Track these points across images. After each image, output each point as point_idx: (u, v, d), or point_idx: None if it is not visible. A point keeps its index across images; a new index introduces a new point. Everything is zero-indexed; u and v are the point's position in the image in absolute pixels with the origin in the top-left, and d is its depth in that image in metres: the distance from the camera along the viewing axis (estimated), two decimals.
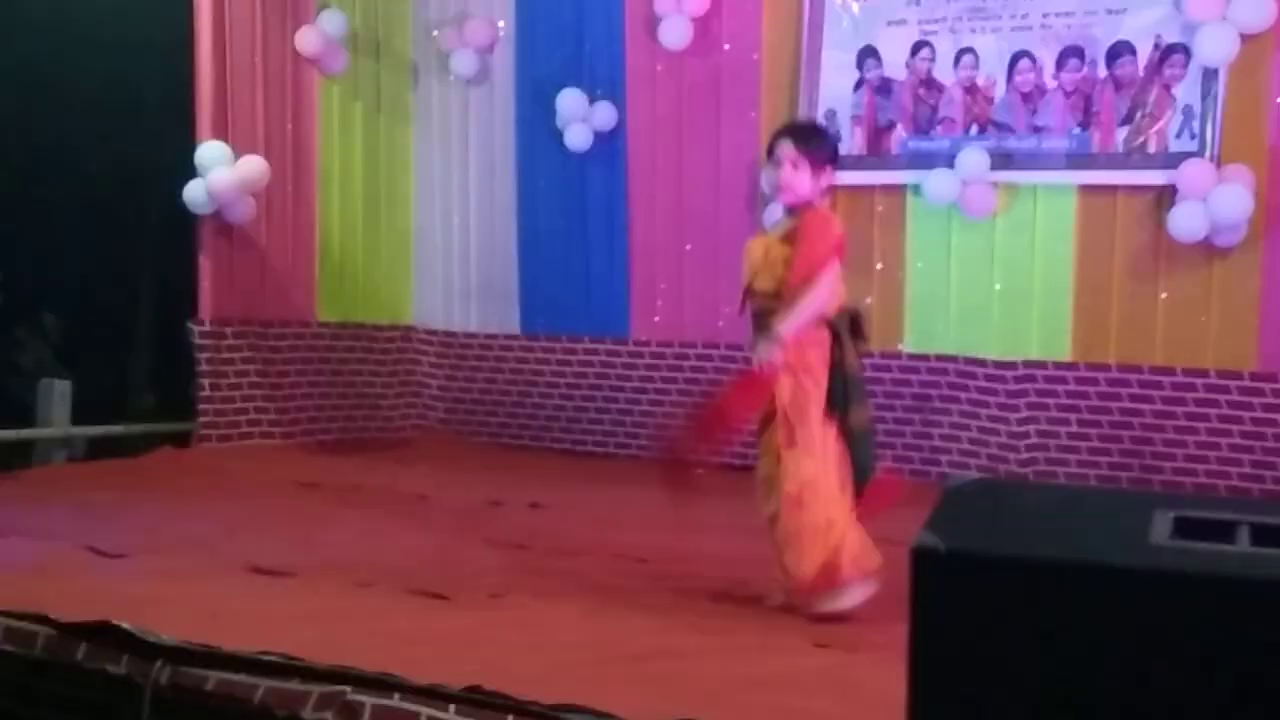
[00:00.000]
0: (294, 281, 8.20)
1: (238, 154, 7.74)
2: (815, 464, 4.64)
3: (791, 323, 4.54)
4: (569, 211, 7.96)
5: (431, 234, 8.43)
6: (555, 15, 7.90)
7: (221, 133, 7.81)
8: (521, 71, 8.06)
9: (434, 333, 8.45)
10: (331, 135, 8.25)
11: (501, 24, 8.09)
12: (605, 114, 7.72)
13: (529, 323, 8.16)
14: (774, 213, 6.97)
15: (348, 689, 3.47)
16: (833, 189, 4.99)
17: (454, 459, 7.84)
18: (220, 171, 7.62)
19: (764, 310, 4.67)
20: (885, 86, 7.00)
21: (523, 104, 8.06)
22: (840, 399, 4.66)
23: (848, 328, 4.69)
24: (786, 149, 4.71)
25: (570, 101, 7.71)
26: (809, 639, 4.42)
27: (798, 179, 4.68)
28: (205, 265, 7.90)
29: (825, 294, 4.63)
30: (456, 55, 8.07)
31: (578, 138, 7.73)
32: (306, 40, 8.00)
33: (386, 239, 8.44)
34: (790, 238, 4.66)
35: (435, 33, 8.25)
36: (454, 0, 8.21)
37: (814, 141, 4.80)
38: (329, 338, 8.28)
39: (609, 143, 7.79)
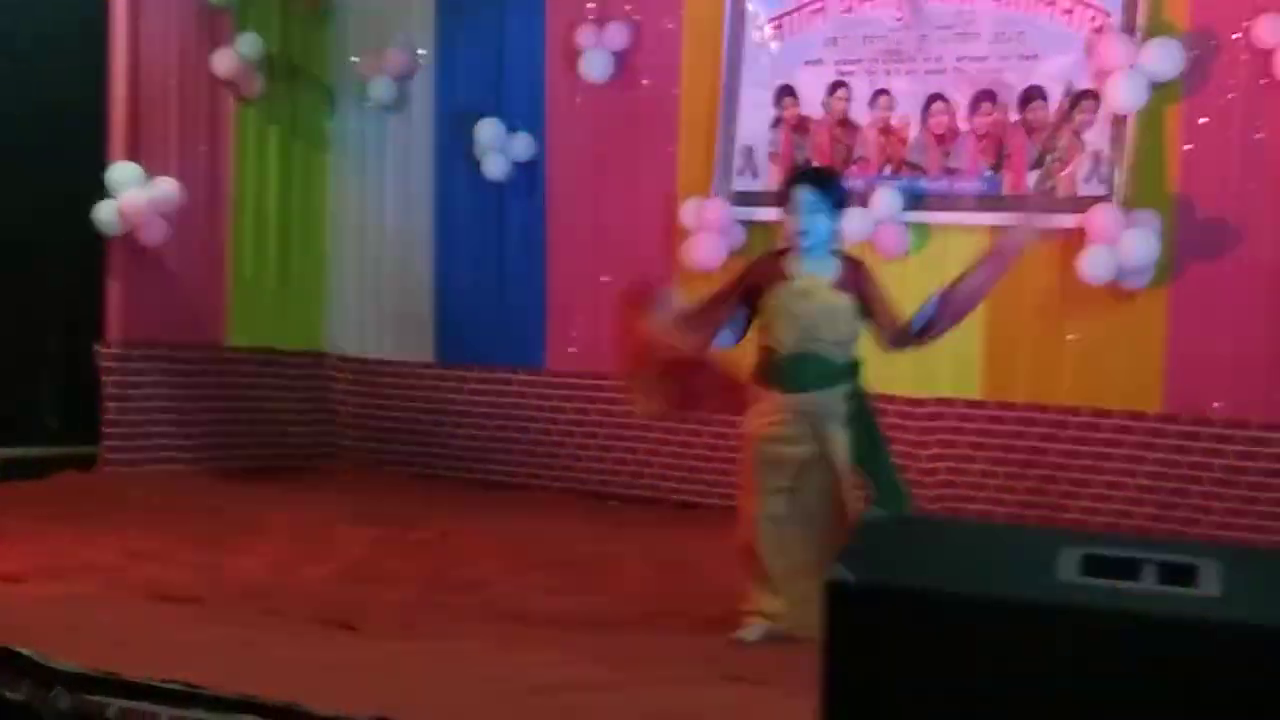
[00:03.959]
0: (205, 304, 8.10)
1: (150, 175, 7.64)
2: None
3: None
4: (486, 241, 7.94)
5: (346, 260, 8.36)
6: (476, 45, 7.90)
7: (134, 153, 7.72)
8: (440, 100, 8.04)
9: (347, 359, 8.38)
10: (246, 159, 8.17)
11: (421, 52, 8.07)
12: (524, 145, 7.72)
13: (443, 351, 8.11)
14: (702, 248, 7.03)
15: (251, 718, 3.42)
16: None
17: (364, 487, 7.77)
18: (132, 192, 7.52)
19: (824, 357, 4.80)
20: (802, 125, 7.07)
21: (441, 133, 8.04)
22: (866, 440, 4.87)
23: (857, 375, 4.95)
24: (806, 194, 4.84)
25: (489, 131, 7.69)
26: (718, 672, 4.43)
27: (818, 223, 4.80)
28: (114, 286, 7.79)
29: None
30: (375, 82, 8.03)
31: (496, 168, 7.72)
32: (223, 63, 7.92)
33: (300, 263, 8.36)
34: (845, 285, 4.84)
35: (354, 59, 8.20)
36: (374, 27, 8.17)
37: (830, 186, 4.96)
38: (239, 362, 8.18)
39: (527, 173, 7.79)
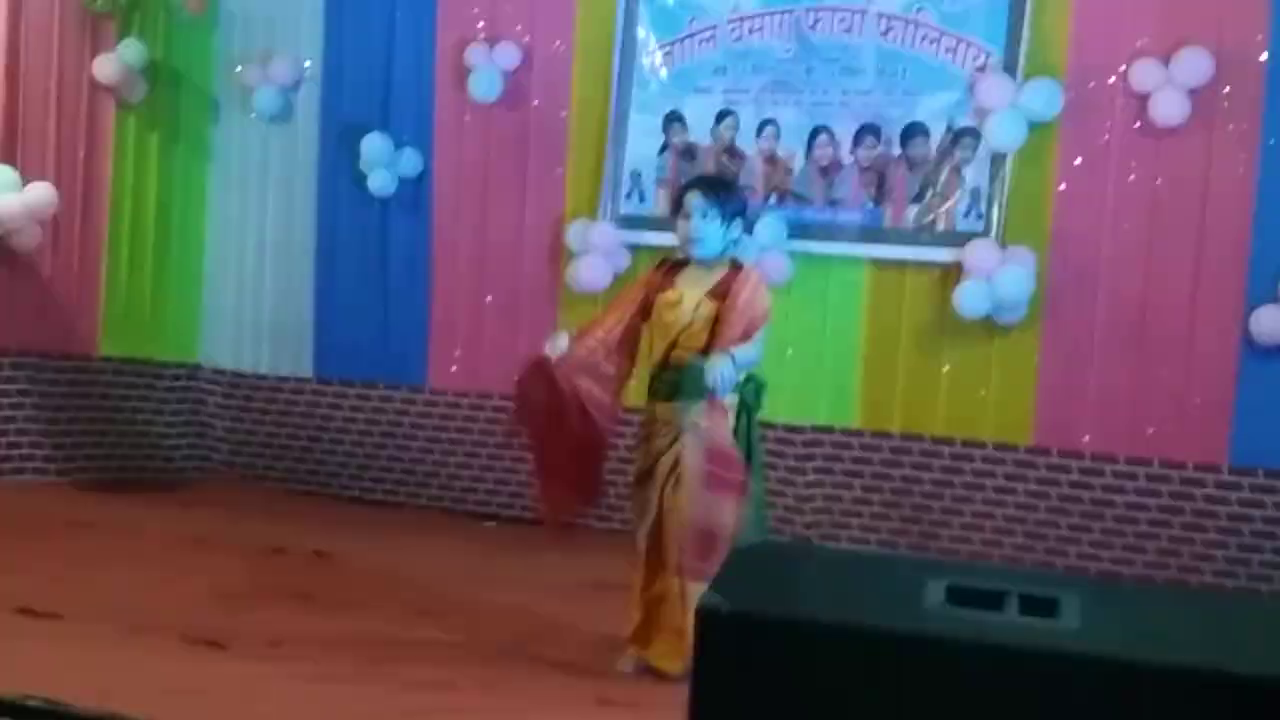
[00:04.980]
0: (78, 313, 7.92)
1: (26, 180, 7.47)
2: None
3: (728, 377, 4.52)
4: (369, 256, 7.87)
5: (225, 272, 8.23)
6: (364, 58, 7.83)
7: (10, 157, 7.54)
8: (326, 112, 7.95)
9: (222, 372, 8.25)
10: (125, 166, 8.01)
11: (308, 63, 7.98)
12: (411, 160, 7.67)
13: (322, 366, 8.02)
14: (588, 270, 7.04)
15: None
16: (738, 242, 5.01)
17: (237, 503, 7.65)
18: (6, 197, 7.35)
19: (692, 366, 4.65)
20: (690, 152, 7.12)
21: (326, 145, 7.95)
22: (743, 459, 4.71)
23: (754, 396, 4.78)
24: (696, 200, 4.78)
25: (375, 146, 7.64)
26: (593, 696, 4.43)
27: (709, 230, 4.74)
28: None
29: (757, 353, 4.74)
30: (260, 92, 7.93)
31: (381, 183, 7.66)
32: (105, 68, 7.77)
33: (177, 275, 8.21)
34: (720, 293, 4.71)
35: (239, 68, 8.10)
36: (259, 36, 8.07)
37: (723, 193, 4.88)
38: (111, 373, 8.01)
39: (413, 190, 7.74)
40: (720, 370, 4.49)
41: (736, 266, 4.84)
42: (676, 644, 4.57)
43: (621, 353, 4.87)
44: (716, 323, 4.68)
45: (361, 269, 7.88)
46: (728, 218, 4.80)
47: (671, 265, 4.96)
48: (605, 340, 4.84)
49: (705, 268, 4.80)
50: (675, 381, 4.70)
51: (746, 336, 4.66)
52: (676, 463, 4.67)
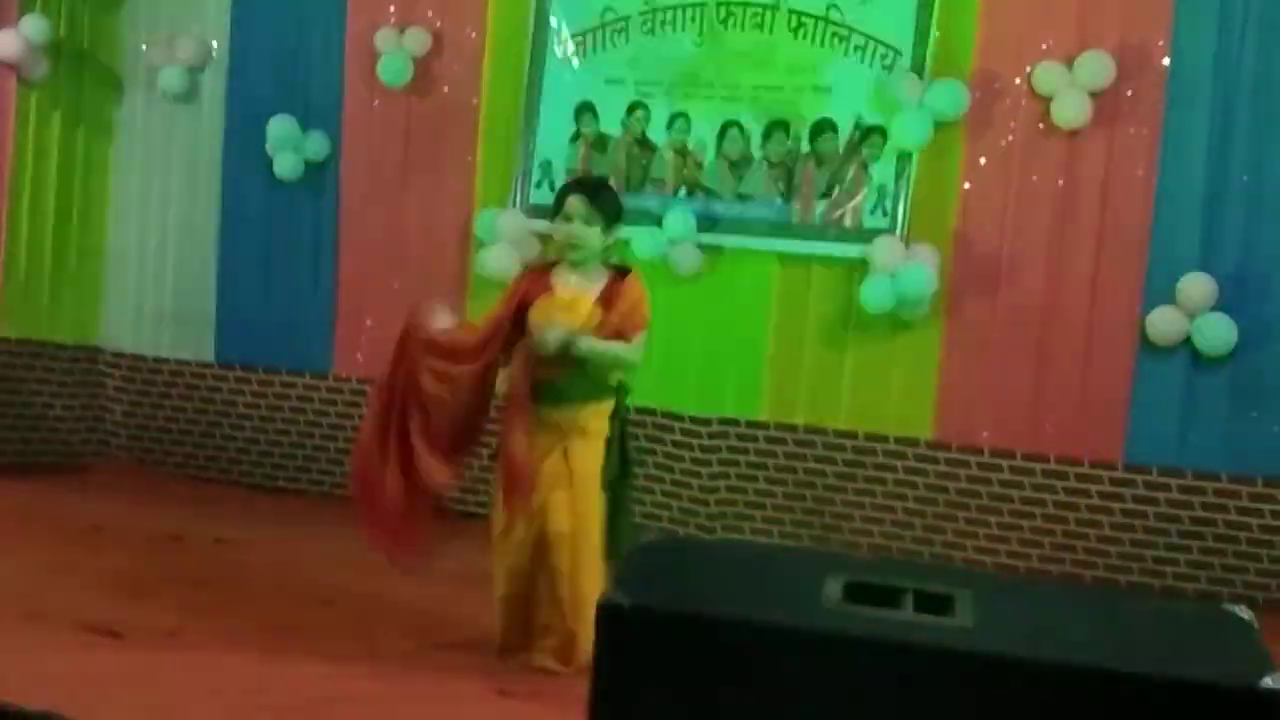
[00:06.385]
0: None
1: None
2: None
3: (554, 338, 4.54)
4: (274, 241, 7.78)
5: (126, 254, 8.10)
6: (271, 40, 7.73)
7: None
8: (232, 94, 7.84)
9: (121, 355, 8.11)
10: (26, 145, 7.84)
11: (215, 44, 7.86)
12: (318, 144, 7.59)
13: (224, 351, 7.91)
14: (497, 258, 7.00)
15: None
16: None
17: (135, 489, 7.54)
18: None
19: (579, 372, 4.64)
20: (601, 142, 7.12)
21: (232, 127, 7.85)
22: (618, 465, 4.73)
23: (625, 399, 4.81)
24: (578, 205, 4.74)
25: (282, 129, 7.55)
26: (493, 688, 4.42)
27: (590, 235, 4.73)
28: None
29: (636, 355, 4.74)
30: (165, 72, 7.80)
31: (287, 166, 7.57)
32: (6, 44, 7.59)
33: (77, 255, 8.06)
34: (606, 301, 4.70)
35: (144, 47, 7.96)
36: (165, 15, 7.94)
37: (604, 197, 4.85)
38: (7, 355, 7.84)
39: (320, 174, 7.66)
40: (554, 333, 4.55)
41: (619, 271, 4.84)
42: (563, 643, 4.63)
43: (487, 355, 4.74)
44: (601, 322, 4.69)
45: (266, 253, 7.79)
46: (608, 224, 4.79)
47: (542, 269, 4.92)
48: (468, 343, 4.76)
49: (584, 272, 4.77)
50: (566, 386, 4.67)
51: (619, 336, 4.68)
52: (561, 469, 4.66)
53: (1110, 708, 2.15)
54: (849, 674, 2.20)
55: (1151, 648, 2.34)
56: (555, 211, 4.86)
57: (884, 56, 6.63)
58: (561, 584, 4.63)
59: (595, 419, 4.71)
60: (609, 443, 4.72)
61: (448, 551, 6.21)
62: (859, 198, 6.69)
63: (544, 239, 4.63)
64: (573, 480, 4.66)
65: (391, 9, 7.50)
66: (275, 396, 7.81)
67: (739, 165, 6.89)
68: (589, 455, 4.68)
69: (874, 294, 6.50)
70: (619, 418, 4.77)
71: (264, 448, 7.85)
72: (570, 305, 4.72)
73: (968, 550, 6.64)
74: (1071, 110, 6.33)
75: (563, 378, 4.65)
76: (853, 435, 6.79)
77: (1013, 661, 2.15)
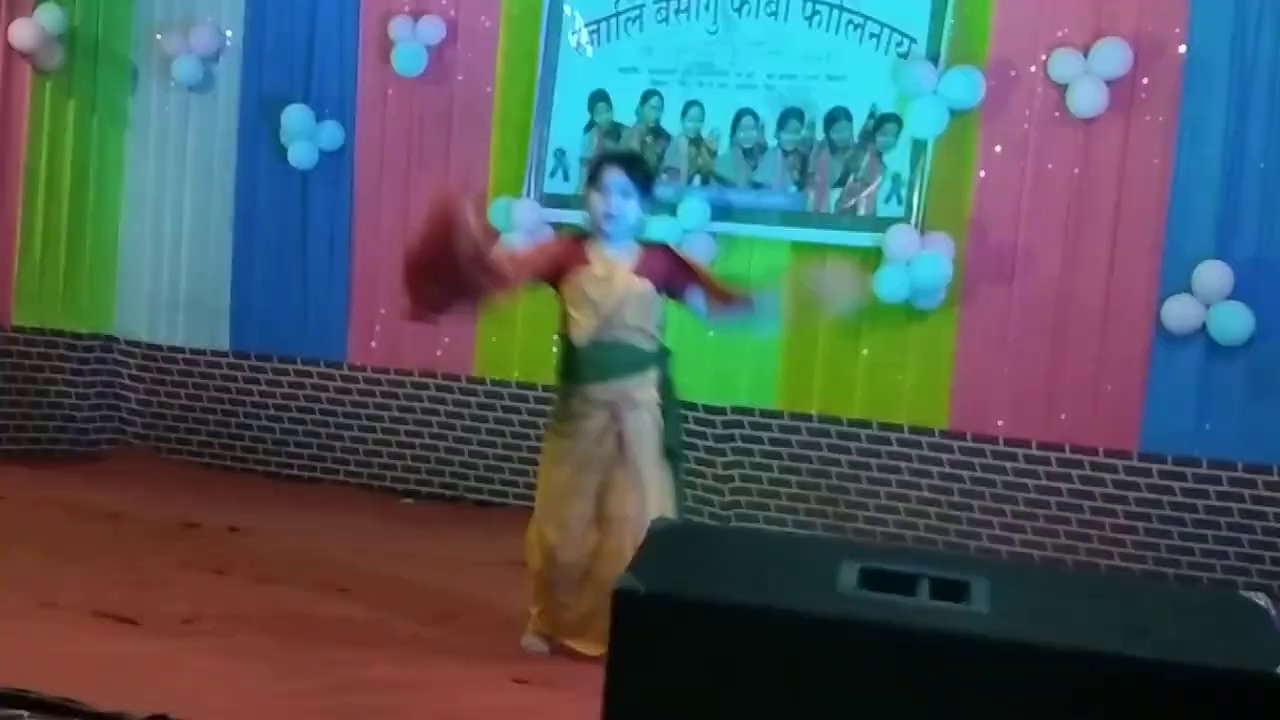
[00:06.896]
0: None
1: None
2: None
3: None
4: (288, 229, 7.79)
5: (141, 242, 8.11)
6: (286, 29, 7.73)
7: None
8: (247, 83, 7.85)
9: (137, 344, 8.13)
10: (41, 134, 7.85)
11: (229, 33, 7.87)
12: (332, 133, 7.59)
13: (239, 340, 7.93)
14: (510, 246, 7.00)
15: (25, 714, 3.32)
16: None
17: (151, 477, 7.55)
18: None
19: (626, 344, 4.64)
20: (614, 131, 7.11)
21: (246, 116, 7.85)
22: (677, 430, 4.73)
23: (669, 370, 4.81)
24: (618, 178, 4.69)
25: (296, 118, 7.56)
26: (508, 675, 4.43)
27: (628, 207, 4.69)
28: None
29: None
30: (179, 61, 7.81)
31: (302, 155, 7.58)
32: (21, 34, 7.61)
33: (93, 245, 8.08)
34: (645, 271, 4.67)
35: (159, 36, 7.97)
36: (180, 4, 7.94)
37: (642, 170, 4.83)
38: (23, 343, 7.87)
39: (334, 163, 7.66)
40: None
41: (650, 245, 4.81)
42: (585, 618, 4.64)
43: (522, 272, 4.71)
44: (698, 286, 4.71)
45: (280, 242, 7.80)
46: (645, 198, 4.77)
47: (579, 237, 4.85)
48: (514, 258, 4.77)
49: (616, 245, 4.72)
50: (616, 359, 4.64)
51: (717, 287, 4.74)
52: (620, 444, 4.63)
53: (1126, 694, 2.15)
54: (864, 660, 2.20)
55: (1168, 634, 2.33)
56: (591, 180, 4.81)
57: (899, 44, 6.62)
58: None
59: (642, 389, 4.67)
60: (665, 410, 4.69)
61: (464, 540, 6.25)
62: (874, 186, 6.67)
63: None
64: (626, 457, 4.62)
65: None
66: (290, 385, 7.83)
67: (753, 154, 6.88)
68: (642, 426, 4.64)
69: (888, 283, 6.48)
70: (669, 383, 4.74)
71: (278, 436, 7.87)
72: (608, 278, 4.67)
73: (982, 539, 6.63)
74: (1087, 98, 6.31)
75: (614, 353, 4.63)
76: (867, 424, 6.78)
77: (1028, 647, 2.15)
